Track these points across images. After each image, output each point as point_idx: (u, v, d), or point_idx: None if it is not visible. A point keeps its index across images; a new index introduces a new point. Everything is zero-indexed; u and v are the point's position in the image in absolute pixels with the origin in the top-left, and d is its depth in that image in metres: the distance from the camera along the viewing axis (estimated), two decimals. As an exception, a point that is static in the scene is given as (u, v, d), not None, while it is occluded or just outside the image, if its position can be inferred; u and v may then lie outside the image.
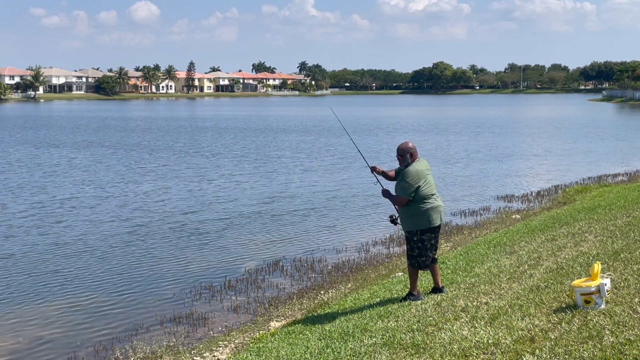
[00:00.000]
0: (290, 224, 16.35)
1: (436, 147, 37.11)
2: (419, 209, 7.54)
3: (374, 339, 6.24)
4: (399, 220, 7.83)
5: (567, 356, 4.89)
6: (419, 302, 7.53)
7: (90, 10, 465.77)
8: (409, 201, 7.52)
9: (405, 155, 7.67)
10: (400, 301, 7.84)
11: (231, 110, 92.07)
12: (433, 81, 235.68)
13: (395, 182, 7.81)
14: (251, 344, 7.86)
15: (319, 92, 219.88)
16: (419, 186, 7.49)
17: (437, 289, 7.94)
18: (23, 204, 19.05)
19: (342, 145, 38.18)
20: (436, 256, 7.89)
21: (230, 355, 7.89)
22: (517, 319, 5.92)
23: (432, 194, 7.61)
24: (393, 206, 7.93)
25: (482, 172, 26.25)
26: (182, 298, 10.72)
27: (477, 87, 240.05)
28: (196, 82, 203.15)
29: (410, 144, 7.74)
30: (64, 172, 26.30)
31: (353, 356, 5.92)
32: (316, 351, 6.38)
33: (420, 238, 7.61)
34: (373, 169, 7.99)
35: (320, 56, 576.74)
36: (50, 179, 24.47)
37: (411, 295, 7.84)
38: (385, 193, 7.78)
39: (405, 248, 8.21)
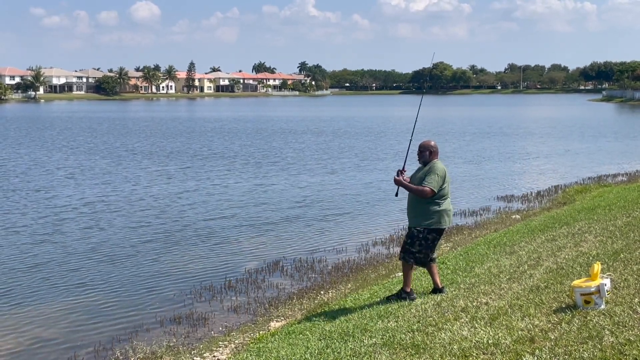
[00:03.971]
0: (290, 224, 16.35)
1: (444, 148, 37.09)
2: (434, 207, 7.54)
3: (374, 339, 6.24)
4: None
5: (567, 356, 4.90)
6: (419, 302, 7.53)
7: (91, 10, 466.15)
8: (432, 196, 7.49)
9: (425, 152, 7.68)
10: (393, 298, 7.86)
11: (239, 111, 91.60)
12: (433, 81, 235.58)
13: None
14: (251, 344, 7.87)
15: (319, 92, 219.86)
16: (444, 184, 7.52)
17: (437, 290, 7.93)
18: (26, 206, 19.05)
19: (344, 146, 38.23)
20: (435, 256, 7.89)
21: (230, 355, 7.89)
22: (517, 319, 5.92)
23: (448, 196, 7.65)
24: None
25: (482, 172, 26.25)
26: (182, 298, 10.72)
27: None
28: (196, 83, 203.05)
29: (432, 142, 7.76)
30: (68, 175, 26.30)
31: (353, 356, 5.92)
32: (316, 351, 6.38)
33: (426, 237, 7.61)
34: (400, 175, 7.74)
35: (321, 56, 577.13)
36: (57, 181, 24.48)
37: (404, 292, 7.83)
38: (399, 182, 7.67)
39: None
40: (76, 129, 53.87)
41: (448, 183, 7.64)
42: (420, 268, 8.41)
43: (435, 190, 7.47)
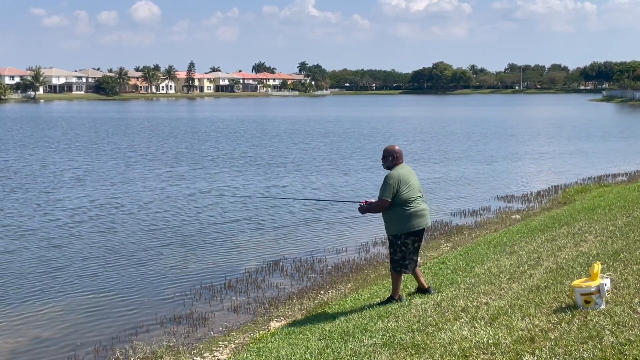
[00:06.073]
0: (290, 224, 16.34)
1: (454, 148, 37.10)
2: (403, 212, 7.56)
3: (374, 339, 6.24)
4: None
5: (567, 356, 4.90)
6: (419, 302, 7.54)
7: (91, 10, 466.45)
8: (390, 204, 7.54)
9: (388, 157, 7.74)
10: (380, 305, 7.88)
11: (240, 112, 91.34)
12: (433, 81, 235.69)
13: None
14: (251, 344, 7.87)
15: (318, 93, 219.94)
16: (400, 189, 7.52)
17: (423, 290, 7.99)
18: (28, 207, 19.05)
19: (352, 147, 38.22)
20: (419, 260, 7.92)
21: (230, 355, 7.89)
22: (517, 319, 5.92)
23: (416, 198, 7.63)
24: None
25: (482, 172, 26.25)
26: (182, 298, 10.71)
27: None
28: (196, 82, 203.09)
29: (396, 148, 7.81)
30: (73, 176, 26.30)
31: (353, 356, 5.92)
32: (316, 351, 6.38)
33: (404, 242, 7.65)
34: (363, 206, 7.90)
35: (321, 56, 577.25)
36: (59, 182, 24.48)
37: (392, 300, 7.87)
38: (363, 209, 7.84)
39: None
40: (80, 129, 53.72)
41: (412, 185, 7.62)
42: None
43: (387, 199, 7.51)
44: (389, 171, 7.70)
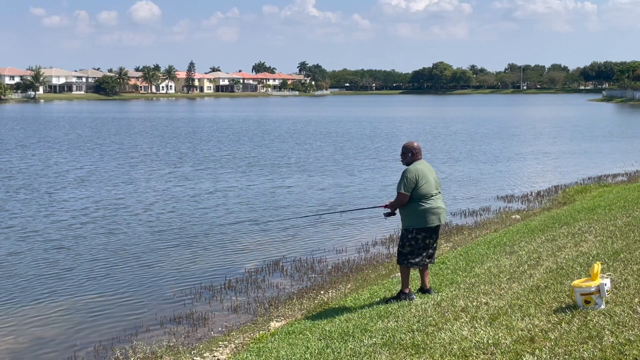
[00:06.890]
0: (290, 224, 16.33)
1: (458, 148, 37.10)
2: (418, 208, 7.61)
3: (374, 339, 6.24)
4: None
5: (567, 356, 4.90)
6: (419, 302, 7.55)
7: (91, 10, 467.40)
8: (410, 198, 7.57)
9: (407, 153, 7.81)
10: (392, 300, 7.92)
11: (242, 112, 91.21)
12: (433, 81, 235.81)
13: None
14: (251, 344, 7.87)
15: (318, 93, 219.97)
16: (419, 183, 7.56)
17: (424, 289, 8.01)
18: (28, 206, 19.05)
19: (350, 147, 38.21)
20: (428, 260, 7.90)
21: (230, 355, 7.89)
22: (517, 319, 5.92)
23: (432, 195, 7.67)
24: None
25: (483, 172, 26.25)
26: (182, 298, 10.71)
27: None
28: (196, 83, 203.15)
29: (415, 144, 7.88)
30: (75, 177, 26.29)
31: (353, 356, 5.92)
32: (316, 351, 6.38)
33: (415, 237, 7.69)
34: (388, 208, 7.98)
35: (321, 56, 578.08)
36: (60, 182, 24.49)
37: (402, 294, 7.90)
38: (388, 212, 7.90)
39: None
40: (81, 129, 53.56)
41: (430, 182, 7.67)
42: None
43: (405, 192, 7.57)
44: (407, 166, 7.77)
